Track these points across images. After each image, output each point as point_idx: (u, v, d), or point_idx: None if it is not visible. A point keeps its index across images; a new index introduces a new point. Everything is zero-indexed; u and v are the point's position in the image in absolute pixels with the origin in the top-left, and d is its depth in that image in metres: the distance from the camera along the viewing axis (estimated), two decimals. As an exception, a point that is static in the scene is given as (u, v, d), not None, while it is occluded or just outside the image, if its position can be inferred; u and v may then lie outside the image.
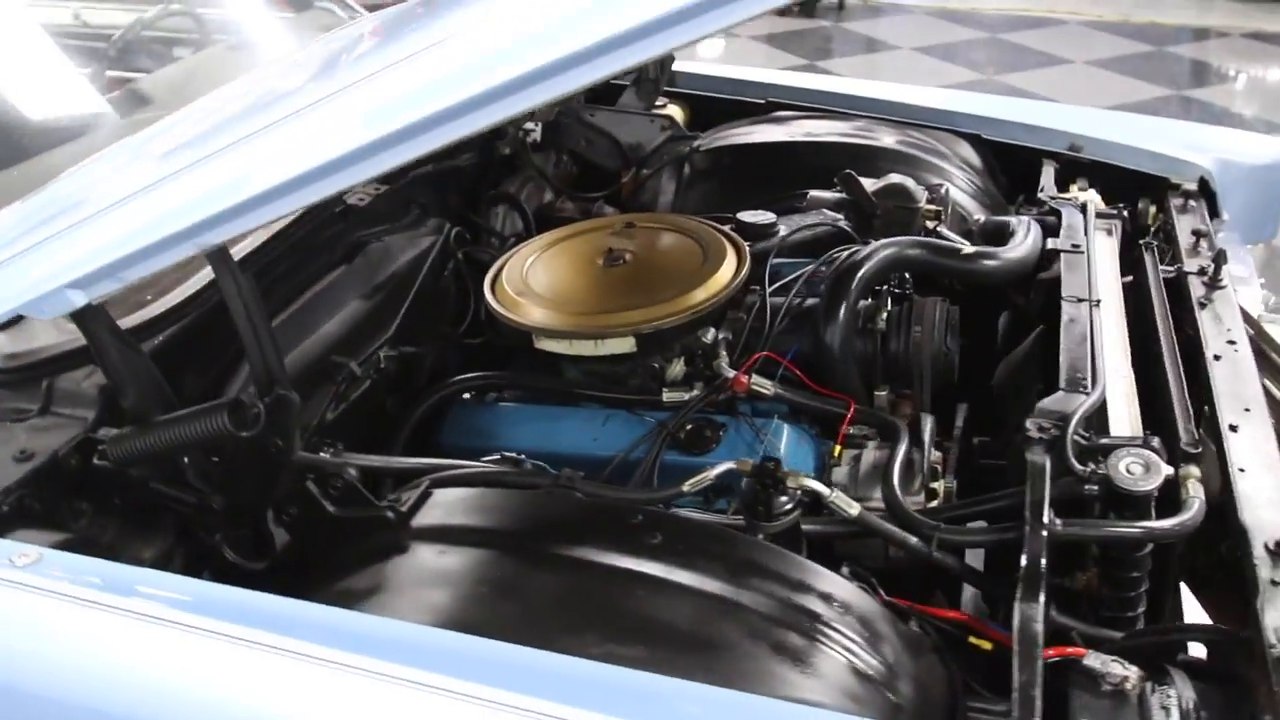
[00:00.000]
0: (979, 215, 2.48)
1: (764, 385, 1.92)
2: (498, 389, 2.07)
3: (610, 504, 1.57)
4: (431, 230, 2.41)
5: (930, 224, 2.36)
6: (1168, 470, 1.54)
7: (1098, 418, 1.70)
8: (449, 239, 2.39)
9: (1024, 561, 1.46)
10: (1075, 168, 2.75)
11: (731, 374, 1.92)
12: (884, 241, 2.07)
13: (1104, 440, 1.61)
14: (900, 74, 7.23)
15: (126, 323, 1.68)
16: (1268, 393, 2.15)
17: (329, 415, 1.85)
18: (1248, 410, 1.85)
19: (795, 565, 1.44)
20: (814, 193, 2.50)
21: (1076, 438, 1.61)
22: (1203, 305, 2.14)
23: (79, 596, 1.30)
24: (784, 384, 1.95)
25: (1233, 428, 1.80)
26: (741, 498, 1.58)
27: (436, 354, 2.21)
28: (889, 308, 2.04)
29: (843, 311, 1.96)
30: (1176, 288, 2.17)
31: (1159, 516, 1.54)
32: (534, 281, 2.10)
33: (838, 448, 1.89)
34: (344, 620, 1.29)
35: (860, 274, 1.99)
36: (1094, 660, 1.46)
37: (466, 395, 2.11)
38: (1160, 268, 2.32)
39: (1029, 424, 1.65)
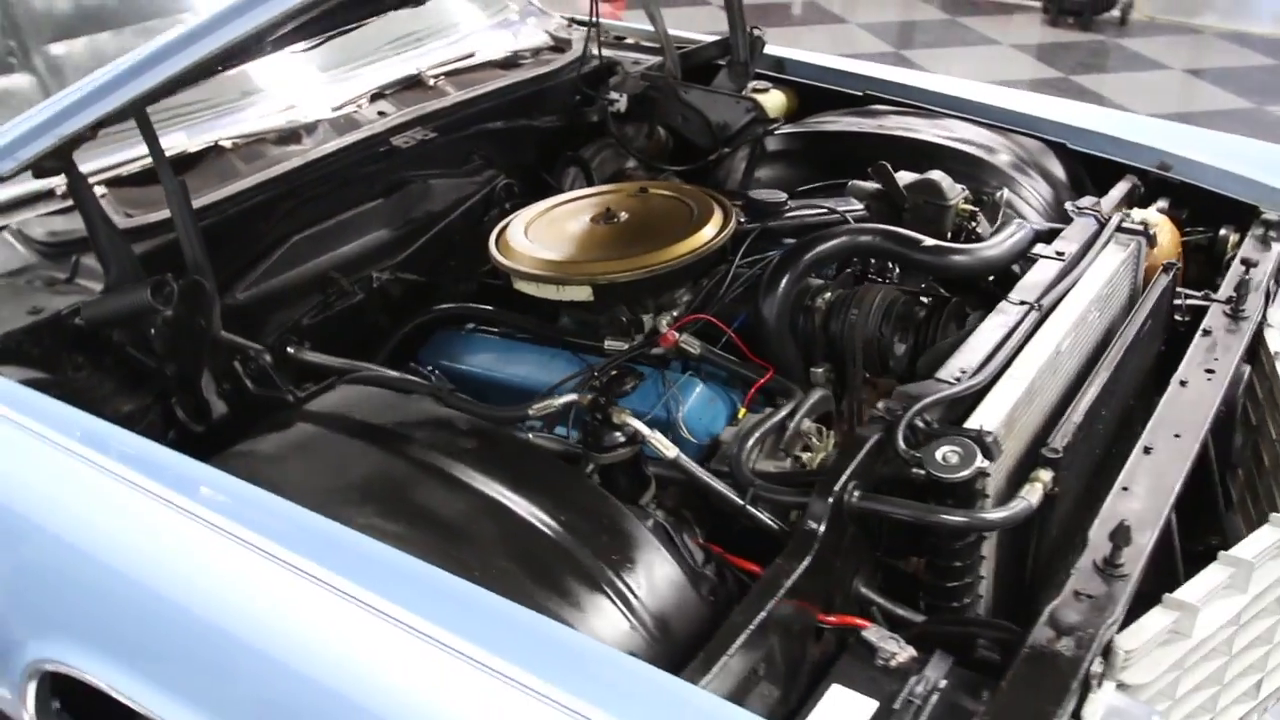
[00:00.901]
0: (1040, 223, 2.45)
1: (691, 344, 2.04)
2: (469, 320, 2.28)
3: (467, 417, 1.75)
4: (486, 181, 2.66)
5: (970, 225, 2.36)
6: (982, 464, 1.55)
7: (962, 410, 1.70)
8: (495, 189, 2.63)
9: (807, 524, 1.53)
10: (1163, 187, 2.64)
11: (664, 330, 2.05)
12: (846, 227, 2.13)
13: (942, 428, 1.63)
14: (1155, 95, 6.80)
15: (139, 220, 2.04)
16: (1265, 432, 2.05)
17: (305, 320, 2.13)
18: (1176, 436, 1.80)
19: (584, 490, 1.58)
20: (855, 182, 2.54)
21: (919, 423, 1.64)
22: (1206, 333, 2.07)
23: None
24: (713, 347, 2.05)
25: (1147, 449, 1.77)
26: (580, 428, 1.72)
27: (452, 288, 2.43)
28: (836, 290, 2.09)
29: (781, 286, 2.04)
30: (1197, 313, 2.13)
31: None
32: (534, 231, 2.29)
33: (742, 410, 1.97)
34: (214, 480, 1.54)
35: (810, 253, 2.06)
36: (873, 634, 1.52)
37: (470, 326, 2.34)
38: (1187, 292, 2.24)
39: (880, 404, 1.70)
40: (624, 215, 2.30)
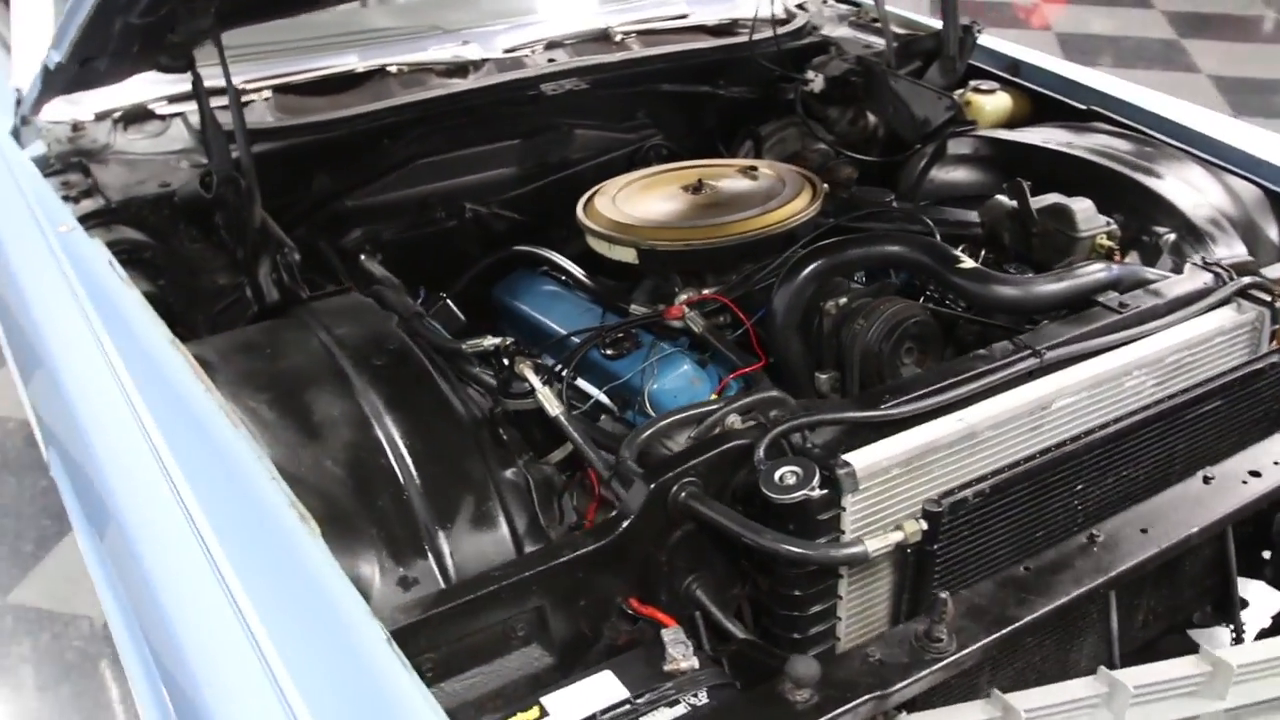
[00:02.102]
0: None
1: (695, 321, 2.02)
2: (538, 263, 2.38)
3: (408, 340, 1.85)
4: (638, 139, 2.73)
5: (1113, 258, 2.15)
6: (813, 492, 1.45)
7: (867, 439, 1.58)
8: (642, 148, 2.69)
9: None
10: None
11: (677, 302, 2.05)
12: (875, 234, 2.01)
13: (816, 451, 1.54)
14: None
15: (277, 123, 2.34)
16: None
17: (387, 235, 2.35)
18: (1144, 532, 1.60)
19: (450, 428, 1.65)
20: (997, 197, 2.36)
21: (800, 439, 1.55)
22: None
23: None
24: (717, 329, 2.02)
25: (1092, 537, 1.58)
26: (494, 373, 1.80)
27: (554, 232, 2.54)
28: (854, 296, 1.98)
29: (793, 283, 1.96)
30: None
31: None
32: (626, 192, 2.35)
33: (714, 395, 1.94)
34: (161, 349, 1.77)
35: (830, 256, 1.97)
36: (669, 635, 1.50)
37: (543, 270, 2.44)
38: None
39: (773, 413, 1.63)
40: (712, 187, 2.30)
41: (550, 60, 2.72)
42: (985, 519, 1.58)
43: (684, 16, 2.99)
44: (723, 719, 1.31)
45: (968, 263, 1.93)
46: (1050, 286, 1.90)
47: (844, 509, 1.50)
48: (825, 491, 1.46)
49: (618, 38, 2.85)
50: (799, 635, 1.55)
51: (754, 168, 2.39)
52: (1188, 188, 2.35)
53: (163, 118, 2.42)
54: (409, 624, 1.36)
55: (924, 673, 1.36)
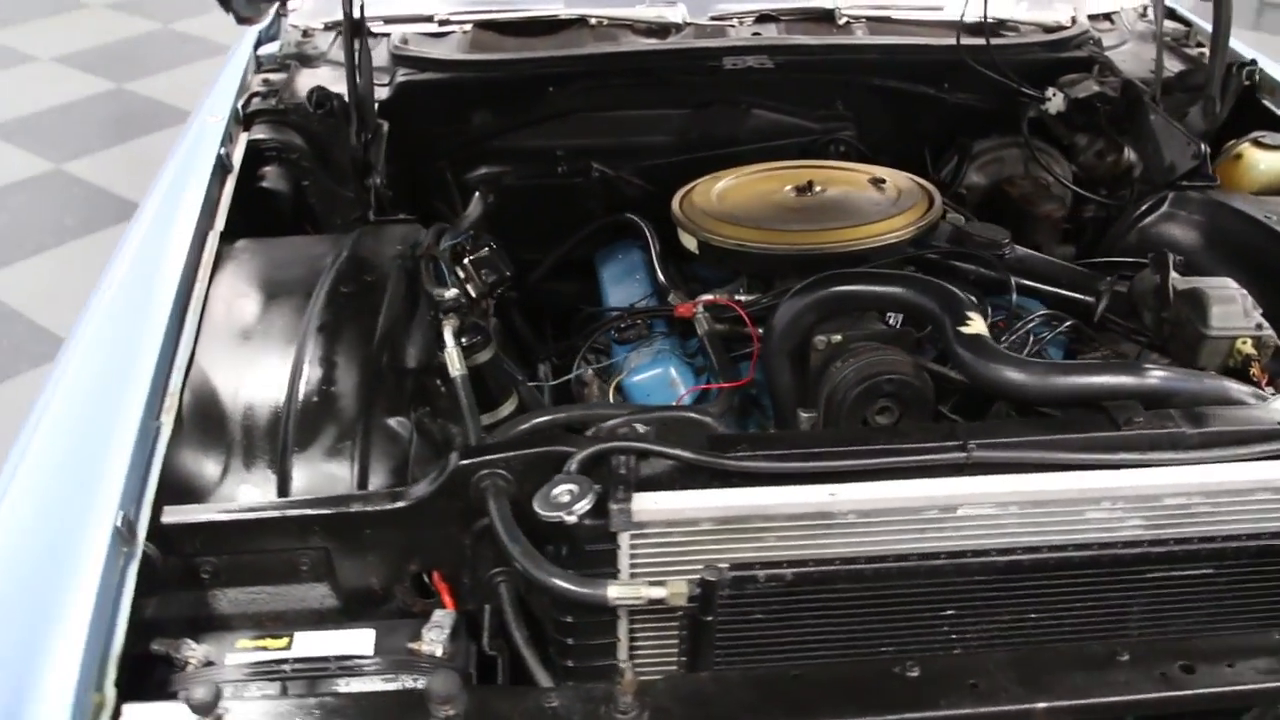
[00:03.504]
0: None
1: (702, 323, 1.93)
2: (631, 233, 2.33)
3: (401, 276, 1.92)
4: (824, 130, 2.57)
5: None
6: (568, 517, 1.36)
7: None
8: (822, 140, 2.54)
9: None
10: None
11: (695, 300, 1.96)
12: (900, 274, 1.78)
13: (622, 474, 1.44)
14: None
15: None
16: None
17: (508, 180, 2.42)
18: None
19: (360, 361, 1.72)
20: (1145, 272, 1.99)
21: (623, 461, 1.46)
22: None
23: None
24: (721, 337, 1.91)
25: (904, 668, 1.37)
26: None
27: None
28: (848, 335, 1.77)
29: (790, 309, 1.80)
30: None
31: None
32: (735, 182, 2.23)
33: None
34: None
35: (834, 287, 1.78)
36: (436, 617, 1.50)
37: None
38: None
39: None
40: (819, 190, 2.14)
41: (755, 34, 2.63)
42: (791, 608, 1.39)
43: (938, 9, 2.73)
44: (363, 707, 1.29)
45: (974, 326, 1.65)
46: (1059, 379, 1.59)
47: (619, 546, 1.39)
48: (581, 520, 1.36)
49: (842, 20, 2.68)
50: (571, 662, 1.47)
51: (882, 180, 2.17)
52: None
53: (374, 35, 2.65)
54: (185, 522, 1.47)
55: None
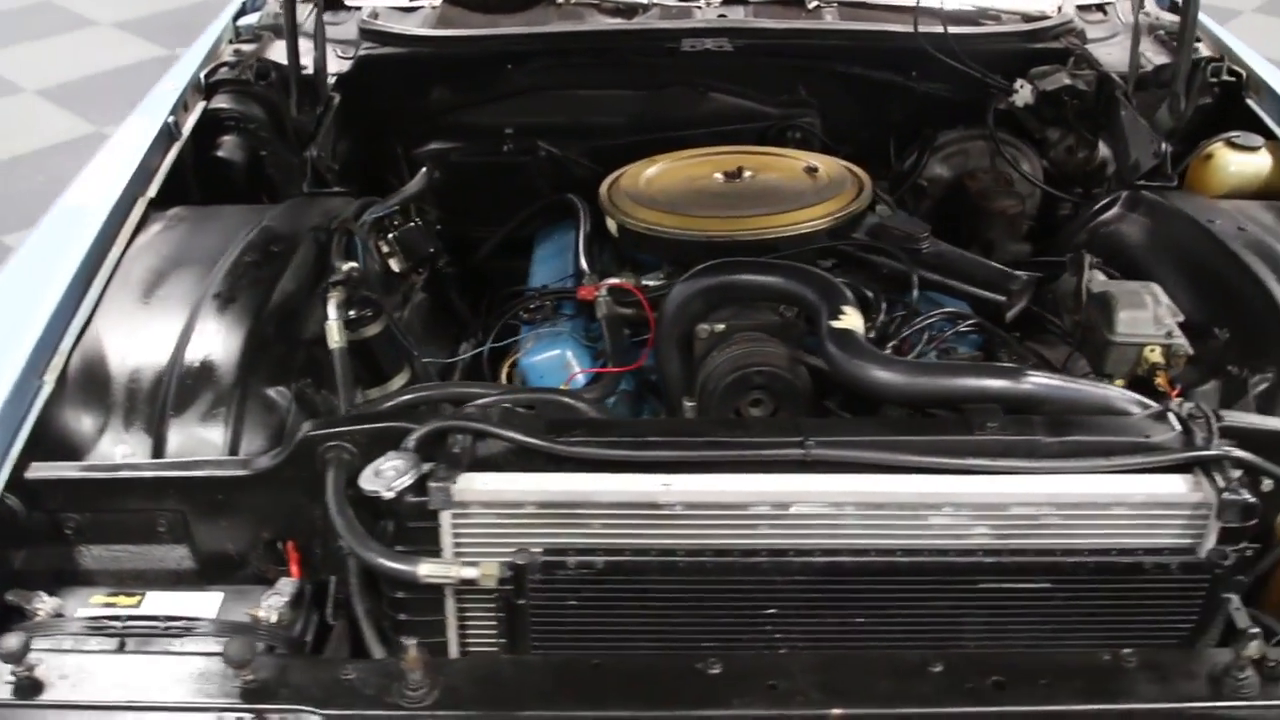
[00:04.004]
0: None
1: (600, 306, 1.92)
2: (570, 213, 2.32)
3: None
4: (782, 116, 2.53)
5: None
6: (384, 493, 1.37)
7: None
8: (779, 127, 2.49)
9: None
10: None
11: (598, 283, 1.95)
12: (785, 264, 1.74)
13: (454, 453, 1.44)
14: None
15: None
16: None
17: (454, 157, 2.43)
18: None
19: (241, 315, 1.77)
20: (1067, 275, 1.94)
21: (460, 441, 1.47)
22: None
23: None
24: (615, 322, 1.90)
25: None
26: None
27: None
28: (731, 324, 1.75)
29: (676, 297, 1.78)
30: None
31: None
32: (668, 167, 2.20)
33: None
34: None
35: (717, 276, 1.76)
36: (279, 585, 1.53)
37: None
38: None
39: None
40: (749, 177, 2.11)
41: (720, 16, 2.59)
42: (606, 596, 1.38)
43: (920, -3, 2.65)
44: (167, 667, 1.32)
45: (846, 320, 1.61)
46: (921, 379, 1.55)
47: (440, 525, 1.40)
48: (400, 497, 1.37)
49: (812, 4, 2.62)
50: (403, 638, 1.48)
51: (815, 168, 2.13)
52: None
53: (349, 8, 2.69)
54: (48, 478, 1.52)
55: (365, 711, 1.26)
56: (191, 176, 2.38)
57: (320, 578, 1.56)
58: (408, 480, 1.38)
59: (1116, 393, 1.57)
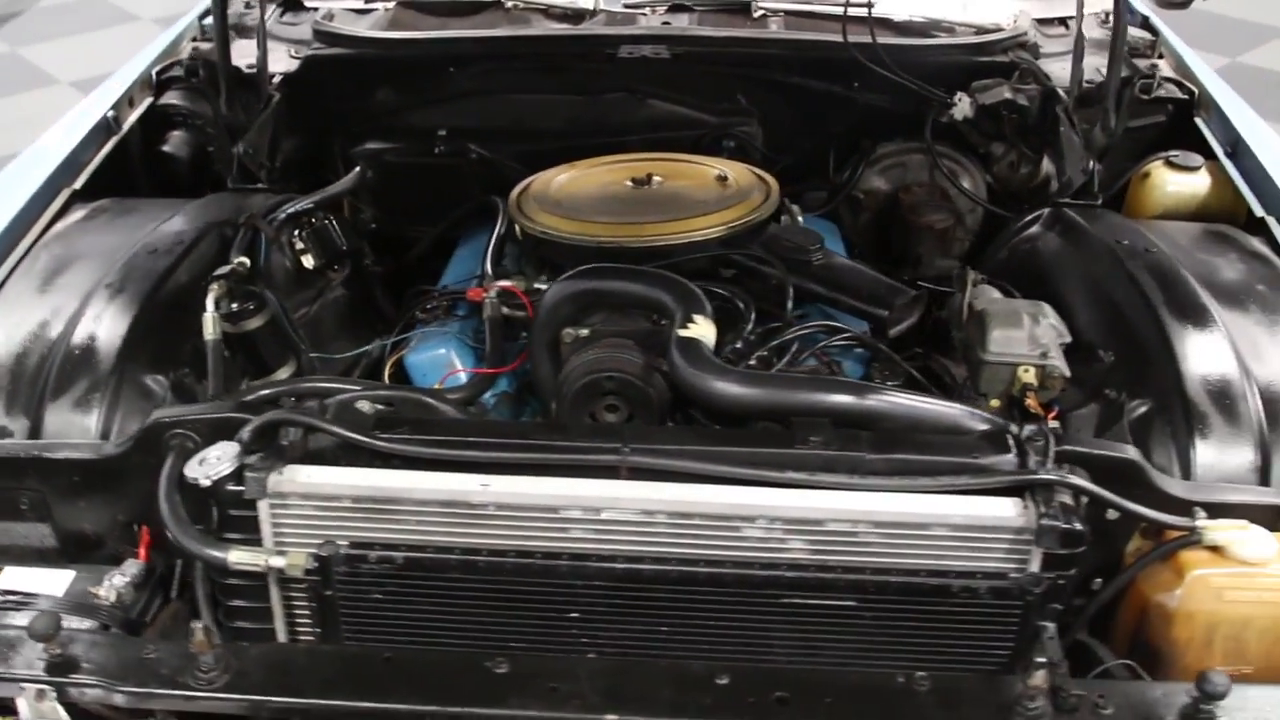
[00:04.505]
0: None
1: (486, 307, 1.93)
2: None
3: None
4: (721, 125, 2.52)
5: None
6: (201, 480, 1.41)
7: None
8: (713, 137, 2.49)
9: None
10: None
11: (493, 285, 1.97)
12: (653, 273, 1.75)
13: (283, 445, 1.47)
14: None
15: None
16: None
17: (389, 157, 2.46)
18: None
19: (129, 304, 1.81)
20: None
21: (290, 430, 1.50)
22: None
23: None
24: (496, 323, 1.91)
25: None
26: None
27: None
28: (595, 328, 1.76)
29: (545, 300, 1.81)
30: None
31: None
32: (581, 173, 2.21)
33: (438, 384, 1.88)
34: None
35: (584, 281, 1.78)
36: (124, 567, 1.58)
37: None
38: None
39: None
40: (658, 183, 2.12)
41: (664, 24, 2.60)
42: (409, 592, 1.40)
43: (869, 5, 2.63)
44: None
45: (695, 329, 1.61)
46: (752, 390, 1.54)
47: (258, 514, 1.43)
48: (218, 485, 1.40)
49: (758, 13, 2.62)
50: (236, 623, 1.52)
51: (725, 176, 2.13)
52: (1232, 363, 1.68)
53: (307, 9, 2.74)
54: None
55: (156, 690, 1.29)
56: (140, 170, 2.46)
57: (172, 561, 1.60)
58: (226, 469, 1.41)
59: (964, 412, 1.55)
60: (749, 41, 2.50)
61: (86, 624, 1.48)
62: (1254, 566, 1.43)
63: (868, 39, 2.37)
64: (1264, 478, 1.59)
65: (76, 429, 1.67)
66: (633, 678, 1.31)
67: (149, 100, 2.47)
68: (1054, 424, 1.72)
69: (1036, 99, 2.42)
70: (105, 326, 1.77)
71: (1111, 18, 2.17)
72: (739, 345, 1.75)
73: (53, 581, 1.57)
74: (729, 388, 1.54)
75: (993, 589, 1.37)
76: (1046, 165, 2.47)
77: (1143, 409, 1.67)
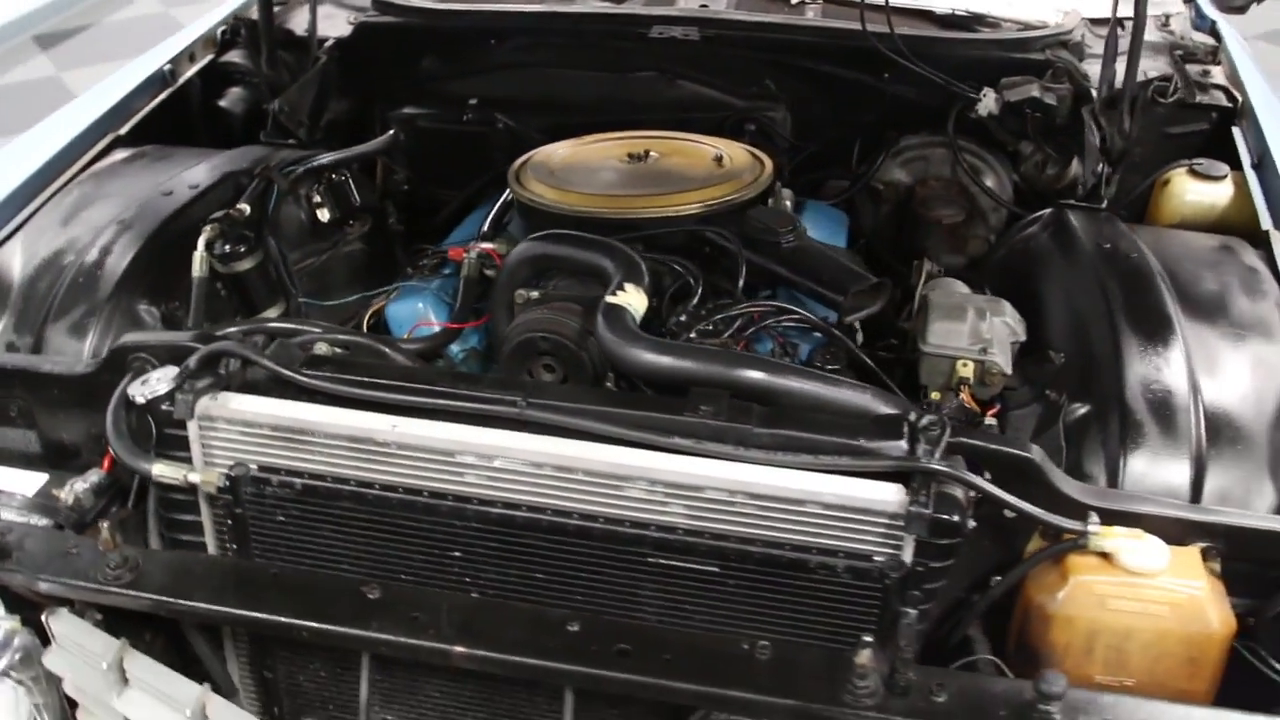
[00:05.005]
0: None
1: (465, 266, 2.02)
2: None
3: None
4: (745, 109, 2.54)
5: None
6: (137, 397, 1.54)
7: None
8: (735, 120, 2.52)
9: None
10: None
11: (475, 246, 2.06)
12: (600, 241, 1.81)
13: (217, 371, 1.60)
14: None
15: None
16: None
17: (421, 122, 2.57)
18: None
19: (136, 239, 1.96)
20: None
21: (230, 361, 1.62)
22: None
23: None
24: (470, 282, 2.00)
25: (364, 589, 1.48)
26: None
27: None
28: (543, 291, 1.83)
29: (507, 261, 1.88)
30: None
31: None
32: (577, 148, 2.28)
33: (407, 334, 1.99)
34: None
35: (540, 245, 1.84)
36: (89, 475, 1.73)
37: None
38: None
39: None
40: (652, 158, 2.17)
41: (702, 5, 2.63)
42: (312, 517, 1.50)
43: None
44: None
45: (623, 297, 1.65)
46: (663, 359, 1.57)
47: (188, 433, 1.55)
48: (151, 404, 1.53)
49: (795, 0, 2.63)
50: (175, 535, 1.65)
51: (721, 157, 2.16)
52: (1181, 375, 1.64)
53: None
54: None
55: (70, 580, 1.43)
56: (199, 123, 2.64)
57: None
58: (161, 390, 1.54)
59: (872, 397, 1.55)
60: (778, 27, 2.52)
61: (44, 521, 1.64)
62: (1142, 577, 1.40)
63: (895, 29, 2.36)
64: (1196, 493, 1.55)
65: (71, 349, 1.84)
66: (489, 616, 1.38)
67: (210, 57, 2.64)
68: (991, 420, 1.73)
69: (1067, 99, 2.36)
70: (110, 259, 1.93)
71: (1132, 21, 2.10)
72: (683, 318, 1.79)
73: (27, 482, 1.73)
74: (640, 354, 1.58)
75: (851, 569, 1.38)
76: (1076, 167, 2.41)
77: (1081, 412, 1.64)
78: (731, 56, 2.54)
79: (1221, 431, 1.59)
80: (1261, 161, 2.15)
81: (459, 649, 1.34)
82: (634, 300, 1.67)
